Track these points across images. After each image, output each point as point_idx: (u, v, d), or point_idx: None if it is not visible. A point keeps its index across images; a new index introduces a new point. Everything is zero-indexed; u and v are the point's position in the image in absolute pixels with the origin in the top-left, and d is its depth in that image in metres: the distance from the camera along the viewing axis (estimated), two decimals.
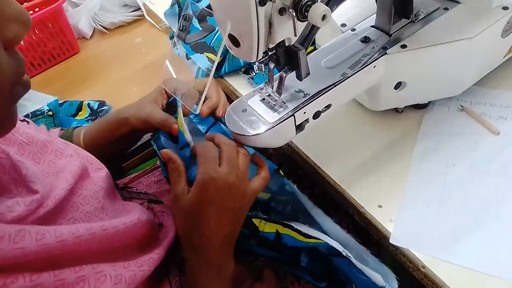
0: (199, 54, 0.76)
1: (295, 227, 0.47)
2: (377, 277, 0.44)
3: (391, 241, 0.48)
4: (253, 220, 0.49)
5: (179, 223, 0.45)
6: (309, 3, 0.38)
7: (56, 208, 0.37)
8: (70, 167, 0.42)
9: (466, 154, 0.54)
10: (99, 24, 1.09)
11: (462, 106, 0.59)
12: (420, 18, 0.55)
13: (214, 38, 0.71)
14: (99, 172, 0.46)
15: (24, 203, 0.34)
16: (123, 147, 0.62)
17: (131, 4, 1.10)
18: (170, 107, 0.52)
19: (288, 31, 0.41)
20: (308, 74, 0.48)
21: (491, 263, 0.45)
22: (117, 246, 0.40)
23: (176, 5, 0.82)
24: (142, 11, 1.09)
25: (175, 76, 0.55)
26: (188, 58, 0.81)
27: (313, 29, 0.43)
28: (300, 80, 0.49)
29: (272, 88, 0.50)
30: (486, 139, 0.55)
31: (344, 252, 0.45)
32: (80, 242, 0.34)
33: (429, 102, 0.61)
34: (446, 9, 0.56)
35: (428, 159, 0.55)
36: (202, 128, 0.54)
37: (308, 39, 0.46)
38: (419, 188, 0.52)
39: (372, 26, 0.57)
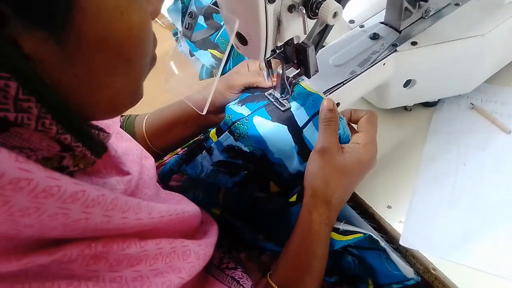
0: (202, 50, 0.75)
1: (334, 226, 0.47)
2: (408, 270, 0.46)
3: (401, 242, 0.47)
4: (290, 199, 0.48)
5: (322, 175, 0.44)
6: (320, 0, 0.36)
7: (134, 190, 0.38)
8: (133, 151, 0.42)
9: (476, 153, 0.53)
10: None
11: (472, 104, 0.58)
12: (430, 14, 0.54)
13: (218, 35, 0.70)
14: (148, 160, 0.46)
15: (123, 182, 0.35)
16: (193, 131, 0.59)
17: None
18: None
19: (297, 28, 0.40)
20: (317, 71, 0.47)
21: (503, 265, 0.44)
22: (184, 229, 0.41)
23: (179, 1, 0.80)
24: None
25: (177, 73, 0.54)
26: (192, 55, 0.80)
27: (325, 28, 0.42)
28: (309, 78, 0.47)
29: (280, 93, 0.49)
30: (497, 137, 0.54)
31: (383, 242, 0.46)
32: (167, 222, 0.36)
33: (438, 100, 0.60)
34: (457, 4, 0.55)
35: (438, 158, 0.54)
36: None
37: (318, 38, 0.45)
38: (429, 188, 0.51)
39: (381, 23, 0.55)
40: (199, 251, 0.38)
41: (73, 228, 0.26)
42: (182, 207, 0.40)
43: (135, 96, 0.32)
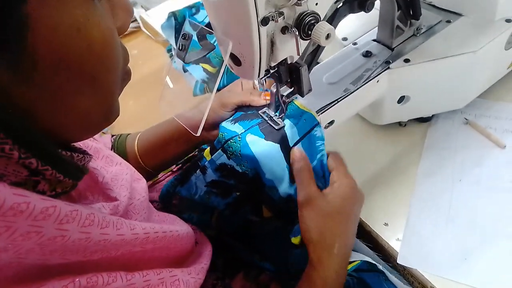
0: (195, 65, 0.75)
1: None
2: None
3: (398, 261, 0.47)
4: (293, 240, 0.47)
5: (314, 224, 0.43)
6: (313, 21, 0.37)
7: (122, 214, 0.37)
8: (123, 175, 0.41)
9: (472, 169, 0.53)
10: None
11: (466, 119, 0.59)
12: (422, 31, 0.55)
13: (213, 52, 0.70)
14: (140, 183, 0.46)
15: (108, 207, 0.34)
16: (186, 149, 0.59)
17: None
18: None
19: (290, 49, 0.40)
20: (310, 90, 0.47)
21: (501, 283, 0.43)
22: (175, 251, 0.40)
23: (173, 17, 0.81)
24: (139, 23, 1.08)
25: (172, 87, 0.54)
26: (185, 71, 0.81)
27: (318, 48, 0.42)
28: (302, 97, 0.47)
29: (274, 112, 0.48)
30: (492, 153, 0.54)
31: (380, 266, 0.46)
32: (154, 240, 0.35)
33: (433, 115, 0.60)
34: (449, 22, 0.56)
35: (434, 175, 0.54)
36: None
37: (310, 57, 0.45)
38: (425, 205, 0.51)
39: (374, 40, 0.56)
40: (189, 280, 0.37)
41: (52, 250, 0.25)
42: (171, 226, 0.39)
43: (109, 114, 0.31)
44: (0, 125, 0.23)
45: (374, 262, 0.46)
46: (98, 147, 0.42)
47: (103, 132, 0.61)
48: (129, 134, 0.60)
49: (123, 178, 0.41)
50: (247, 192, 0.49)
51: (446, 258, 0.46)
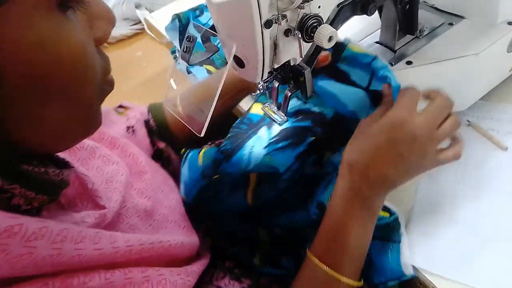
0: (198, 66, 0.76)
1: None
2: (408, 266, 0.45)
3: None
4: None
5: (354, 143, 0.43)
6: (315, 24, 0.37)
7: (111, 221, 0.37)
8: (118, 176, 0.41)
9: (474, 171, 0.54)
10: None
11: (468, 121, 0.59)
12: (425, 34, 0.55)
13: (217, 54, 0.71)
14: (144, 175, 0.45)
15: (94, 216, 0.34)
16: (233, 103, 0.60)
17: (131, 18, 1.10)
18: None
19: (293, 51, 0.40)
20: (313, 93, 0.47)
21: (504, 284, 0.44)
22: (165, 260, 0.39)
23: (177, 19, 0.82)
24: (143, 25, 1.09)
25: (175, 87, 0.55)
26: (189, 72, 0.81)
27: (318, 49, 0.43)
28: (306, 99, 0.48)
29: (277, 107, 0.49)
30: (493, 155, 0.55)
31: (403, 229, 0.46)
32: (139, 251, 0.35)
33: None
34: (451, 24, 0.56)
35: (435, 177, 0.54)
36: None
37: (313, 59, 0.45)
38: (428, 207, 0.51)
39: (377, 42, 0.56)
40: (177, 280, 0.36)
41: (21, 266, 0.25)
42: (161, 236, 0.38)
43: (88, 125, 0.31)
44: None
45: (400, 222, 0.46)
46: (95, 146, 0.42)
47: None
48: (160, 103, 0.59)
49: (118, 180, 0.41)
50: (321, 138, 0.48)
51: (450, 259, 0.46)
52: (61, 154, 0.35)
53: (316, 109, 0.48)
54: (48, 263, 0.26)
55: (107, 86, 0.31)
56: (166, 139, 0.58)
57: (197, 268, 0.42)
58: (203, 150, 0.51)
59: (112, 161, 0.43)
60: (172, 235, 0.41)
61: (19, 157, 0.27)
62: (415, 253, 0.47)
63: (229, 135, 0.52)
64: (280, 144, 0.48)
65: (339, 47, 0.49)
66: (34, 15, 0.23)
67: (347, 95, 0.47)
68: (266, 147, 0.48)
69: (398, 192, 0.53)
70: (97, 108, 0.31)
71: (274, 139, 0.49)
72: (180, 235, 0.43)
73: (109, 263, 0.31)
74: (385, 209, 0.46)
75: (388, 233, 0.47)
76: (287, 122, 0.49)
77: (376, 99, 0.47)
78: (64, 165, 0.32)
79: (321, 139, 0.49)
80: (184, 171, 0.52)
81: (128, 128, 0.54)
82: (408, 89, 0.44)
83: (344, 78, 0.49)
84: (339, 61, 0.50)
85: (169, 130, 0.58)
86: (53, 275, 0.27)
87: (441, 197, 0.52)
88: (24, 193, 0.27)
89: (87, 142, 0.42)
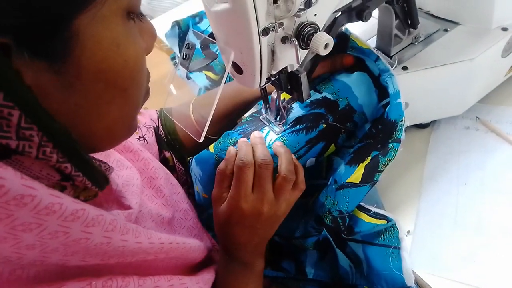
0: (198, 72, 0.77)
1: (365, 206, 0.47)
2: (410, 276, 0.44)
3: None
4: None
5: (215, 222, 0.46)
6: (312, 32, 0.38)
7: (135, 221, 0.38)
8: (134, 180, 0.42)
9: (476, 172, 0.54)
10: None
11: (477, 117, 0.60)
12: (420, 40, 0.56)
13: (216, 60, 0.72)
14: (156, 181, 0.47)
15: (123, 215, 0.35)
16: (241, 113, 0.61)
17: None
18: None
19: (290, 58, 0.41)
20: (309, 96, 0.48)
21: (510, 285, 0.44)
22: (186, 261, 0.41)
23: (177, 26, 0.83)
24: None
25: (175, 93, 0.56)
26: (188, 78, 0.82)
27: (315, 56, 0.44)
28: (302, 103, 0.49)
29: (275, 117, 0.50)
30: (495, 156, 0.55)
31: (401, 238, 0.46)
32: (167, 250, 0.36)
33: (432, 121, 0.61)
34: (446, 30, 0.57)
35: (439, 179, 0.55)
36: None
37: (314, 65, 0.46)
38: (432, 209, 0.52)
39: (373, 48, 0.57)
40: None
41: (74, 251, 0.26)
42: (184, 239, 0.40)
43: (130, 127, 0.33)
44: (43, 129, 0.24)
45: (398, 228, 0.46)
46: (108, 152, 0.44)
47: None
48: (170, 108, 0.61)
49: (134, 184, 0.42)
50: (331, 126, 0.50)
51: (455, 260, 0.47)
52: None
53: (330, 96, 0.51)
54: (96, 251, 0.28)
55: (146, 93, 0.34)
56: (174, 147, 0.59)
57: (211, 276, 0.44)
58: (211, 145, 0.52)
59: (126, 165, 0.44)
60: (187, 239, 0.42)
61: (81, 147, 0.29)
62: (421, 256, 0.48)
63: (246, 119, 0.54)
64: (295, 128, 0.50)
65: (342, 36, 0.52)
66: (114, 20, 0.26)
67: (360, 88, 0.51)
68: (283, 131, 0.50)
69: (402, 196, 0.54)
70: (138, 112, 0.34)
71: (290, 124, 0.50)
72: (193, 241, 0.44)
73: (142, 259, 0.33)
74: (382, 217, 0.47)
75: (386, 238, 0.47)
76: (302, 110, 0.51)
77: (382, 94, 0.50)
78: (106, 163, 0.34)
79: (330, 128, 0.50)
80: (196, 172, 0.52)
81: (139, 138, 0.55)
82: (237, 164, 0.43)
83: (359, 64, 0.52)
84: (348, 50, 0.52)
85: (178, 139, 0.59)
86: (95, 272, 0.29)
87: (445, 200, 0.52)
88: (83, 182, 0.29)
89: None
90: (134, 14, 0.29)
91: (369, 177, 0.46)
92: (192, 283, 0.38)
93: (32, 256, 0.25)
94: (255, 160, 0.43)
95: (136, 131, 0.56)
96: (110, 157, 0.43)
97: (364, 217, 0.47)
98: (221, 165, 0.45)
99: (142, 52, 0.30)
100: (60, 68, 0.25)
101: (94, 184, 0.30)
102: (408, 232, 0.50)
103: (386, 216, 0.46)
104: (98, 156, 0.36)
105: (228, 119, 0.59)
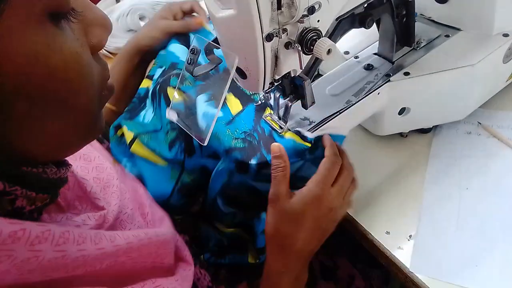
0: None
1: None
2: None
3: (411, 269, 0.47)
4: None
5: (273, 223, 0.45)
6: (315, 37, 0.39)
7: (112, 224, 0.37)
8: (113, 181, 0.42)
9: (478, 177, 0.54)
10: (104, 49, 1.11)
11: (479, 122, 0.60)
12: (422, 45, 0.57)
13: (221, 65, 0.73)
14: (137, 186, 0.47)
15: (94, 217, 0.35)
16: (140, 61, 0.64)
17: (135, 29, 1.12)
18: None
19: (293, 63, 0.42)
20: (313, 103, 0.49)
21: None
22: (164, 256, 0.40)
23: None
24: None
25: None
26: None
27: (317, 61, 0.44)
28: (306, 109, 0.49)
29: (278, 116, 0.50)
30: (496, 161, 0.56)
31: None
32: (138, 247, 0.35)
33: (433, 126, 0.62)
34: (447, 36, 0.58)
35: (441, 183, 0.55)
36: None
37: (312, 70, 0.47)
38: (434, 214, 0.52)
39: (375, 54, 0.58)
40: (175, 287, 0.37)
41: (29, 269, 0.25)
42: (157, 230, 0.39)
43: (88, 132, 0.31)
44: None
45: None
46: (88, 157, 0.43)
47: None
48: None
49: (114, 185, 0.42)
50: None
51: (456, 265, 0.47)
52: None
53: None
54: (54, 266, 0.27)
55: (106, 92, 0.31)
56: None
57: (189, 270, 0.43)
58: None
59: (104, 167, 0.44)
60: (161, 229, 0.41)
61: (19, 160, 0.27)
62: (424, 260, 0.48)
63: None
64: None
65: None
66: (26, 29, 0.23)
67: None
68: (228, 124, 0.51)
69: (404, 200, 0.55)
70: (98, 114, 0.31)
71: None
72: (165, 230, 0.43)
73: (115, 264, 0.32)
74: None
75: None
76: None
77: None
78: (61, 163, 0.32)
79: None
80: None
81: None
82: (329, 160, 0.46)
83: None
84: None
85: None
86: (62, 286, 0.28)
87: (447, 204, 0.53)
88: (25, 194, 0.27)
89: (78, 153, 0.43)
90: (62, 13, 0.25)
91: None
92: (168, 282, 0.37)
93: None
94: (343, 163, 0.48)
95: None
96: (91, 162, 0.43)
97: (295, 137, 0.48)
98: (280, 162, 0.45)
99: (77, 55, 0.26)
100: None
101: (40, 192, 0.29)
102: (410, 236, 0.50)
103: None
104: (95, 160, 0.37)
105: (131, 89, 0.63)
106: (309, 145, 0.47)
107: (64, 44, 0.25)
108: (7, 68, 0.23)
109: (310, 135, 0.48)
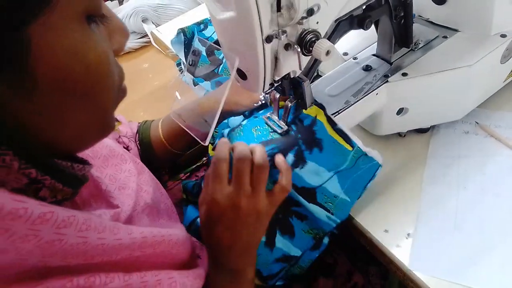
0: (208, 82, 0.79)
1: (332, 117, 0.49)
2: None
3: (410, 267, 0.48)
4: None
5: (201, 223, 0.46)
6: (313, 39, 0.39)
7: (124, 223, 0.38)
8: (130, 183, 0.43)
9: (475, 176, 0.55)
10: None
11: (477, 122, 0.61)
12: (420, 46, 0.57)
13: (221, 66, 0.73)
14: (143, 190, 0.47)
15: (109, 214, 0.36)
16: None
17: (138, 31, 1.13)
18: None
19: (293, 64, 0.43)
20: (312, 103, 0.50)
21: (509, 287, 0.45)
22: (176, 256, 0.41)
23: (182, 33, 0.85)
24: (149, 38, 1.12)
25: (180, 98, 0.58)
26: (195, 85, 0.84)
27: (316, 62, 0.45)
28: (305, 109, 0.50)
29: (278, 117, 0.51)
30: (494, 160, 0.56)
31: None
32: (152, 244, 0.36)
33: (431, 126, 0.62)
34: (445, 37, 0.58)
35: (439, 183, 0.56)
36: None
37: (311, 71, 0.48)
38: (432, 213, 0.53)
39: (373, 55, 0.58)
40: (185, 282, 0.38)
41: (51, 252, 0.27)
42: (170, 230, 0.40)
43: (103, 128, 0.33)
44: (1, 138, 0.25)
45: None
46: (108, 155, 0.44)
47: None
48: (153, 120, 0.63)
49: (130, 187, 0.43)
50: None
51: (455, 263, 0.48)
52: (80, 155, 0.37)
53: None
54: (74, 252, 0.28)
55: (121, 93, 0.34)
56: (148, 159, 0.61)
57: (203, 271, 0.44)
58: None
59: (124, 169, 0.45)
60: (175, 230, 0.42)
61: (49, 153, 0.29)
62: (423, 258, 0.48)
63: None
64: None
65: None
66: (68, 26, 0.26)
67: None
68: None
69: (402, 199, 0.55)
70: (112, 113, 0.33)
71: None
72: (179, 231, 0.44)
73: (129, 257, 0.33)
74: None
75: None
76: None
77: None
78: (85, 162, 0.34)
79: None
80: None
81: (124, 147, 0.57)
82: (214, 159, 0.44)
83: None
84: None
85: (152, 151, 0.61)
86: (78, 271, 0.29)
87: (445, 203, 0.53)
88: (53, 185, 0.29)
89: (100, 151, 0.45)
90: (95, 17, 0.28)
91: None
92: (181, 277, 0.38)
93: (7, 260, 0.25)
94: (234, 155, 0.43)
95: (117, 135, 0.58)
96: (109, 161, 0.44)
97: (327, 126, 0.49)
98: (213, 166, 0.44)
99: (107, 55, 0.29)
100: (17, 80, 0.24)
101: (66, 185, 0.30)
102: (408, 235, 0.51)
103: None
104: (98, 158, 0.37)
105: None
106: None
107: (98, 43, 0.28)
108: (48, 60, 0.25)
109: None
